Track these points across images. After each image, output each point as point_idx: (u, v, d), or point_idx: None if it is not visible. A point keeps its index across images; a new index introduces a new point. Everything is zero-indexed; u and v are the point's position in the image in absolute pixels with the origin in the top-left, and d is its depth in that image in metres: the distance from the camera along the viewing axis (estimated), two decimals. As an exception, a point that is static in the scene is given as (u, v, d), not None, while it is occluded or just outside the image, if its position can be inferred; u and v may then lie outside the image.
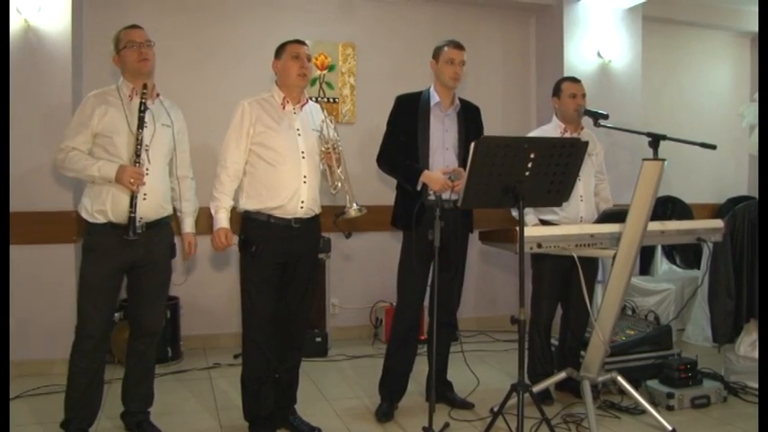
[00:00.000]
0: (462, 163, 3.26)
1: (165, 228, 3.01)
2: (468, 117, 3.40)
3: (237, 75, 4.65)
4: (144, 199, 2.83)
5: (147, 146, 2.84)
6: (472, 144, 2.61)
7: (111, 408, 3.39)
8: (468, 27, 5.31)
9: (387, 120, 3.40)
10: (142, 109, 2.80)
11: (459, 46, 3.31)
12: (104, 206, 2.81)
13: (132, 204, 2.78)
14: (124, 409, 3.09)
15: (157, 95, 2.98)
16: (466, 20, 5.30)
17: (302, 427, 3.07)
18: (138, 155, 2.79)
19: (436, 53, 3.36)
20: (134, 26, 2.97)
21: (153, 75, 2.98)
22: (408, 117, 3.32)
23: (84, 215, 2.87)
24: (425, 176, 3.18)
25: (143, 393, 3.07)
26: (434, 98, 3.33)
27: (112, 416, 3.26)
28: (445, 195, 3.11)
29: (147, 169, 2.84)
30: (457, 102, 3.37)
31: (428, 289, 3.38)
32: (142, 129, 2.80)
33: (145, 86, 2.84)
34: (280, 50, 3.00)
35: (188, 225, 3.10)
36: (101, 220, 2.82)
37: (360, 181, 4.32)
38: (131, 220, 2.77)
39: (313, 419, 3.17)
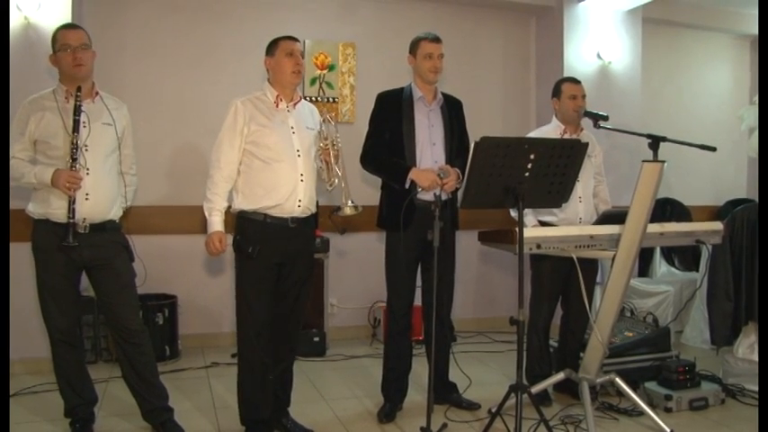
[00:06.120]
0: (450, 159, 3.26)
1: (113, 232, 2.94)
2: (452, 111, 3.37)
3: (236, 74, 4.65)
4: (87, 199, 2.80)
5: (86, 146, 2.81)
6: (472, 144, 2.61)
7: (109, 405, 3.39)
8: (468, 28, 5.32)
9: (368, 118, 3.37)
10: (77, 112, 2.77)
11: (436, 39, 3.26)
12: (47, 209, 2.80)
13: (70, 209, 2.74)
14: (143, 411, 3.05)
15: (96, 94, 2.93)
16: (466, 20, 5.31)
17: (296, 429, 3.04)
18: (74, 158, 2.75)
19: (413, 48, 3.30)
20: (71, 26, 2.92)
21: (91, 77, 2.91)
22: (392, 114, 3.26)
23: (30, 215, 2.87)
24: (414, 173, 3.13)
25: (150, 391, 3.01)
26: (417, 93, 3.29)
27: (112, 413, 3.27)
28: (432, 194, 3.05)
29: (88, 170, 2.81)
30: (440, 96, 3.34)
31: (419, 290, 3.38)
32: (78, 131, 2.76)
33: (79, 89, 2.80)
34: (272, 47, 2.91)
35: None
36: (44, 218, 2.82)
37: (360, 181, 4.33)
38: (70, 225, 2.74)
39: (310, 419, 3.17)
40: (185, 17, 4.65)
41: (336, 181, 2.87)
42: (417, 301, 3.37)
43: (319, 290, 4.59)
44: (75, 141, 2.76)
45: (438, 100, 3.33)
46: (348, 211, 2.83)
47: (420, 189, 3.11)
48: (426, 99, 3.30)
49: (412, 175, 3.13)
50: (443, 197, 3.10)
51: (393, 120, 3.26)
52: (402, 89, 3.34)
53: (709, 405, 3.45)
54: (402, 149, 3.22)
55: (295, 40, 2.94)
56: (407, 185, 3.15)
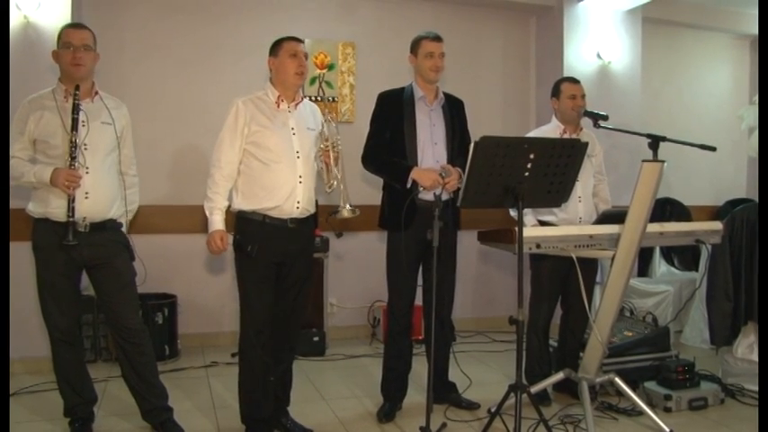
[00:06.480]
0: (452, 158, 3.26)
1: (113, 231, 2.94)
2: (454, 110, 3.36)
3: (236, 74, 4.65)
4: (86, 198, 2.80)
5: (85, 145, 2.81)
6: (472, 144, 2.61)
7: (109, 404, 3.40)
8: (468, 27, 5.32)
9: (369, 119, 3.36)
10: (75, 110, 2.77)
11: (437, 38, 3.25)
12: (47, 208, 2.80)
13: (70, 208, 2.74)
14: (142, 411, 3.05)
15: (96, 94, 2.93)
16: (466, 20, 5.31)
17: (295, 429, 3.04)
18: (72, 156, 2.75)
19: (414, 47, 3.30)
20: (77, 25, 2.92)
21: (91, 77, 2.91)
22: (393, 113, 3.26)
23: (30, 214, 2.88)
24: (415, 173, 3.12)
25: (150, 390, 3.01)
26: (418, 92, 3.28)
27: (112, 412, 3.27)
28: (439, 192, 3.04)
29: (87, 169, 2.81)
30: (441, 95, 3.33)
31: (420, 289, 3.38)
32: (76, 130, 2.76)
33: (77, 87, 2.80)
34: (276, 47, 2.92)
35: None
36: (44, 218, 2.82)
37: (360, 180, 4.33)
38: (70, 224, 2.74)
39: (310, 419, 3.17)
40: (185, 17, 4.65)
41: (335, 183, 2.87)
42: (417, 301, 3.36)
43: (319, 289, 4.59)
44: (73, 140, 2.76)
45: (439, 99, 3.32)
46: (345, 213, 2.82)
47: (422, 189, 3.11)
48: (427, 99, 3.29)
49: (413, 174, 3.12)
50: (445, 197, 3.10)
51: (394, 119, 3.25)
52: (403, 89, 3.33)
53: (709, 405, 3.45)
54: (403, 149, 3.22)
55: (299, 41, 2.94)
56: (409, 185, 3.14)
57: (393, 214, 3.20)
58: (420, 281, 3.35)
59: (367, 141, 3.33)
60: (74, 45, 2.81)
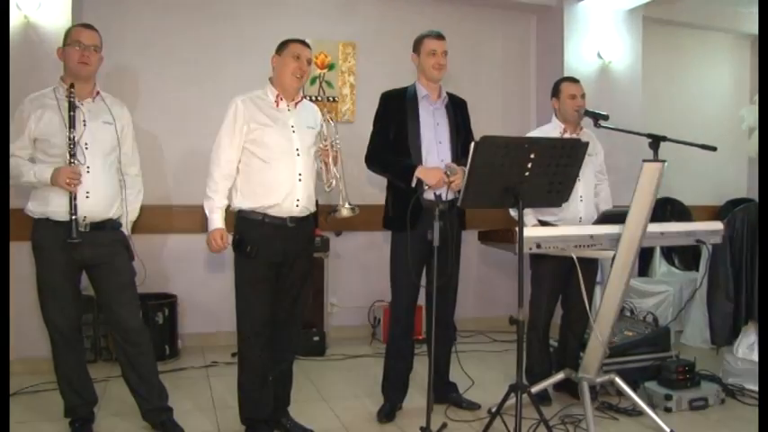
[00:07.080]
0: (456, 157, 3.25)
1: (113, 231, 2.95)
2: (458, 110, 3.36)
3: (237, 73, 4.63)
4: (87, 197, 2.80)
5: (86, 144, 2.81)
6: (472, 144, 2.60)
7: (109, 404, 3.39)
8: (468, 27, 5.31)
9: (373, 118, 3.35)
10: (71, 107, 2.77)
11: (439, 36, 3.25)
12: (47, 208, 2.80)
13: (72, 205, 2.74)
14: (142, 411, 3.05)
15: (97, 93, 2.94)
16: (467, 20, 5.30)
17: (295, 429, 3.04)
18: (72, 154, 2.75)
19: (416, 46, 3.29)
20: (86, 26, 2.93)
21: (94, 78, 2.92)
22: (397, 112, 3.25)
23: (29, 214, 2.87)
24: (420, 171, 3.11)
25: (150, 391, 3.01)
26: (422, 91, 3.28)
27: (112, 413, 3.26)
28: (440, 192, 3.03)
29: (88, 168, 2.81)
30: (444, 94, 3.33)
31: (423, 290, 3.38)
32: (74, 128, 2.76)
33: (72, 86, 2.79)
34: (282, 46, 2.93)
35: (124, 228, 3.03)
36: (44, 217, 2.82)
37: (360, 180, 4.33)
38: (73, 221, 2.74)
39: (310, 419, 3.17)
40: (185, 16, 4.64)
41: (334, 182, 2.86)
42: (419, 301, 3.36)
43: (319, 289, 4.59)
44: (71, 137, 2.75)
45: (443, 98, 3.32)
46: (345, 212, 2.82)
47: (426, 188, 3.10)
48: (431, 97, 3.28)
49: (419, 173, 3.11)
50: (450, 196, 3.09)
51: (398, 119, 3.24)
52: (406, 88, 3.32)
53: (709, 405, 3.45)
54: (407, 148, 3.21)
55: (306, 45, 2.94)
56: (414, 184, 3.13)
57: (397, 214, 3.19)
58: (424, 281, 3.34)
59: (370, 141, 3.32)
60: (83, 44, 2.82)
